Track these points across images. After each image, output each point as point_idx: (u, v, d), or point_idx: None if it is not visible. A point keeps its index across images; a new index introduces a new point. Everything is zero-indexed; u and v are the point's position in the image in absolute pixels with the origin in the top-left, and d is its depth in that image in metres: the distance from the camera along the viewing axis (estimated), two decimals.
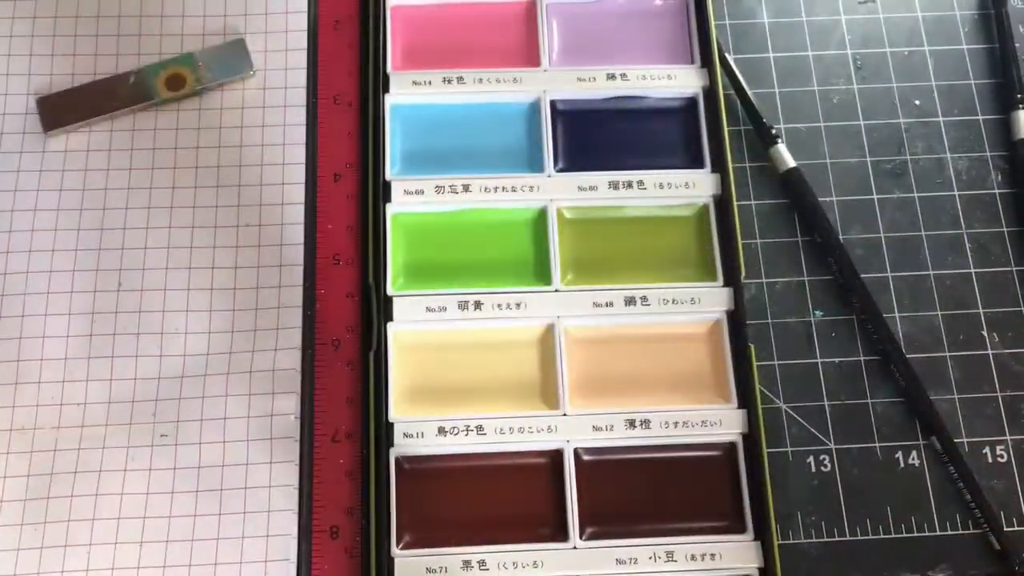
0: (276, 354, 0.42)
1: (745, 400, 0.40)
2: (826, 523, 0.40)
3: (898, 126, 0.47)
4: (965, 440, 0.42)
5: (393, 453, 0.39)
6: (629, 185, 0.43)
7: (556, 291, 0.41)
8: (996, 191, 0.46)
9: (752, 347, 0.40)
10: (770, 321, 0.43)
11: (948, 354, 0.43)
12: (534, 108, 0.44)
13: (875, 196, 0.46)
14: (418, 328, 0.41)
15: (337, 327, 0.42)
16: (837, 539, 0.40)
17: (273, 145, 0.45)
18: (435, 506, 0.39)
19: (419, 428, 0.39)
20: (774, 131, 0.46)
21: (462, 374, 0.41)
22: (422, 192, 0.42)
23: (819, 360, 0.43)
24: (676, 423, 0.39)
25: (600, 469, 0.39)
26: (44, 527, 0.39)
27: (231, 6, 0.47)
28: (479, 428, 0.39)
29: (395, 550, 0.37)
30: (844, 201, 0.46)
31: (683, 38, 0.46)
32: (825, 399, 0.42)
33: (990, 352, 0.43)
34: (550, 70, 0.45)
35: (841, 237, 0.44)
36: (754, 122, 0.46)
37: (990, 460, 0.42)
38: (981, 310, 0.44)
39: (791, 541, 0.40)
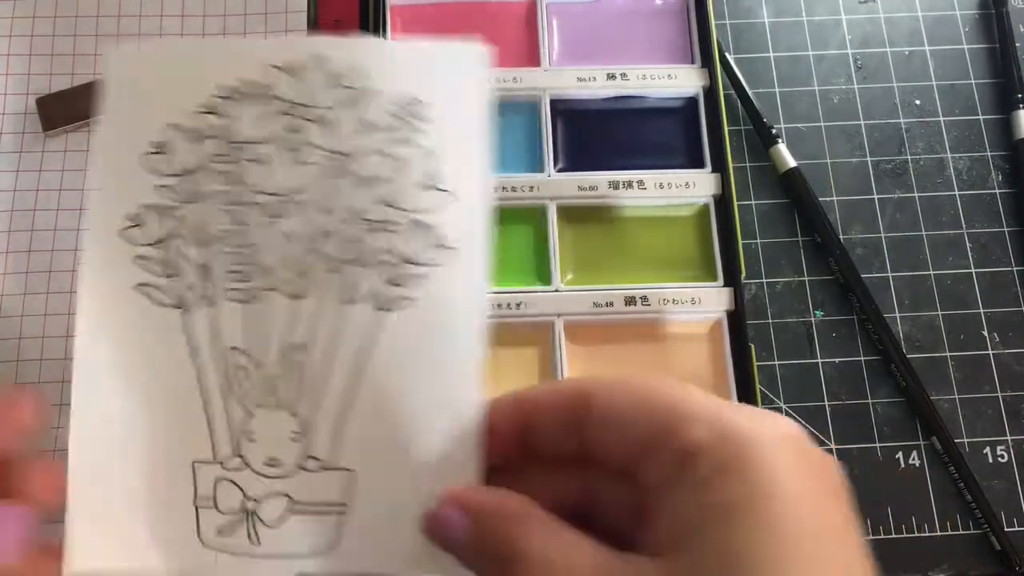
0: None
1: (745, 400, 0.40)
2: None
3: (898, 126, 0.47)
4: (965, 440, 0.42)
5: None
6: (629, 185, 0.43)
7: (556, 291, 0.41)
8: (996, 191, 0.46)
9: (752, 347, 0.40)
10: (770, 321, 0.43)
11: (948, 354, 0.43)
12: (534, 108, 0.44)
13: (875, 196, 0.46)
14: None
15: None
16: None
17: None
18: None
19: None
20: (774, 131, 0.46)
21: None
22: None
23: (819, 360, 0.43)
24: None
25: None
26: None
27: (231, 6, 0.47)
28: None
29: None
30: (844, 201, 0.45)
31: (683, 38, 0.46)
32: (825, 399, 0.42)
33: (990, 352, 0.43)
34: (550, 70, 0.45)
35: (841, 237, 0.44)
36: (754, 122, 0.46)
37: (990, 460, 0.41)
38: (981, 310, 0.44)
39: None
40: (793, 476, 0.20)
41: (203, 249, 0.25)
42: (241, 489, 0.24)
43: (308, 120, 0.25)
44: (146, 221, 0.25)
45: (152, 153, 0.25)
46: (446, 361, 0.24)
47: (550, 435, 0.23)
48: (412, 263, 0.25)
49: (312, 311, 0.25)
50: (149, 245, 0.25)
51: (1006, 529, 0.40)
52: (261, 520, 0.24)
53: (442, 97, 0.25)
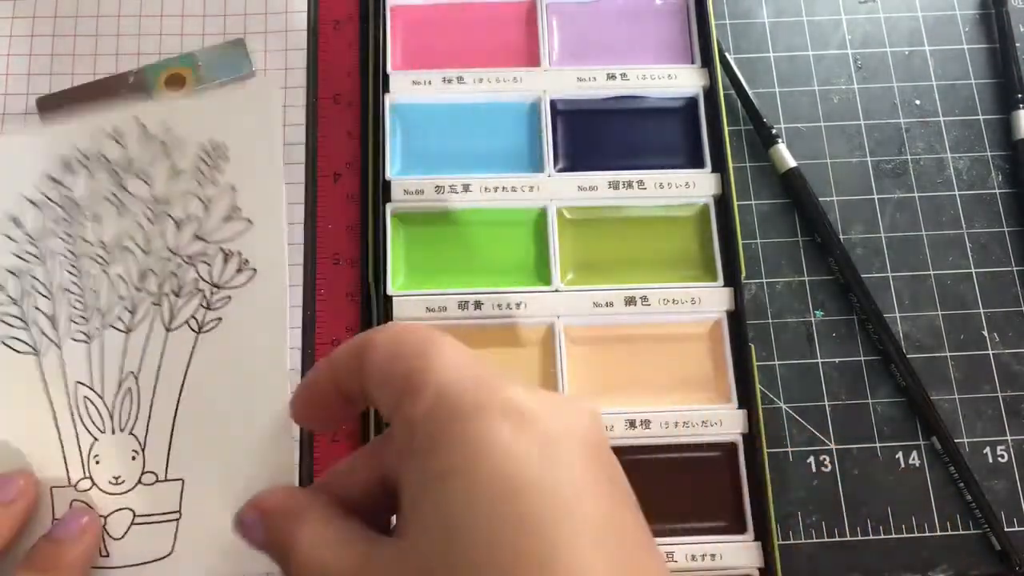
0: None
1: (745, 400, 0.40)
2: (826, 523, 0.40)
3: (898, 126, 0.47)
4: (965, 440, 0.42)
5: None
6: (629, 185, 0.43)
7: (556, 291, 0.41)
8: (996, 191, 0.46)
9: (752, 347, 0.40)
10: (770, 321, 0.43)
11: (948, 354, 0.43)
12: (534, 108, 0.44)
13: (875, 196, 0.46)
14: None
15: (337, 327, 0.42)
16: (837, 539, 0.40)
17: None
18: None
19: None
20: (774, 131, 0.46)
21: None
22: (422, 192, 0.42)
23: (819, 360, 0.43)
24: (676, 423, 0.39)
25: None
26: None
27: (231, 6, 0.47)
28: None
29: None
30: (844, 201, 0.46)
31: (683, 38, 0.46)
32: (825, 399, 0.42)
33: (990, 352, 0.43)
34: (550, 70, 0.45)
35: (841, 237, 0.44)
36: (754, 122, 0.46)
37: (990, 460, 0.41)
38: (981, 310, 0.44)
39: (791, 541, 0.40)
40: (511, 437, 0.19)
41: (51, 301, 0.29)
42: (91, 507, 0.28)
43: (130, 175, 0.30)
44: (6, 283, 0.30)
45: (9, 223, 0.30)
46: (255, 371, 0.27)
47: (353, 393, 0.23)
48: (221, 287, 0.28)
49: (141, 341, 0.29)
50: (11, 303, 0.29)
51: (1006, 529, 0.40)
52: (109, 534, 0.27)
53: (239, 136, 0.29)
